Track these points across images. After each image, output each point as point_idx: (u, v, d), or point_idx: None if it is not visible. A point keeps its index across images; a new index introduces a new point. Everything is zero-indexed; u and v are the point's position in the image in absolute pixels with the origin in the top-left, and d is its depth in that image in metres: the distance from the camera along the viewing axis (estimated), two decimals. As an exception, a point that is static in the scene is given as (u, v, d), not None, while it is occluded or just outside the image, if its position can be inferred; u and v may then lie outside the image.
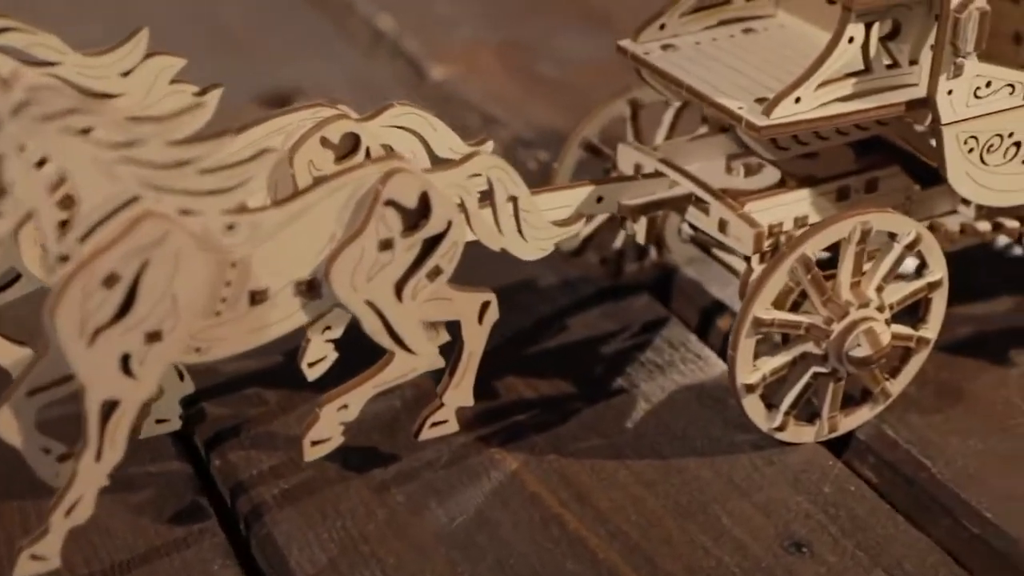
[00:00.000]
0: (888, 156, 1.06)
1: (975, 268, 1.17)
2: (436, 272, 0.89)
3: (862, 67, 0.96)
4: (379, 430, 1.01)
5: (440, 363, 0.93)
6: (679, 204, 1.02)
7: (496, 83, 1.54)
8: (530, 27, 1.67)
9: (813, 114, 0.94)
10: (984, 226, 1.06)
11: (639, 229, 1.02)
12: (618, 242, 1.16)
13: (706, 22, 1.07)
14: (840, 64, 0.94)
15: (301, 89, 1.53)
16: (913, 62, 0.96)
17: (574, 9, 1.69)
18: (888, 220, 0.96)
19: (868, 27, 0.94)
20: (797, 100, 0.94)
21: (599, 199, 1.01)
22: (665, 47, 1.05)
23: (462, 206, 0.90)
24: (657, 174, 1.03)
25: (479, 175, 0.91)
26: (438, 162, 0.95)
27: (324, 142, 0.92)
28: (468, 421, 1.01)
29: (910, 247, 0.97)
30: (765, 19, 1.09)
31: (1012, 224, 1.07)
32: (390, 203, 0.85)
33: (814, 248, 0.94)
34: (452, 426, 0.97)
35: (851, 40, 0.94)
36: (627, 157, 1.06)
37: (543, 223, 0.95)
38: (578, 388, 1.06)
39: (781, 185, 1.02)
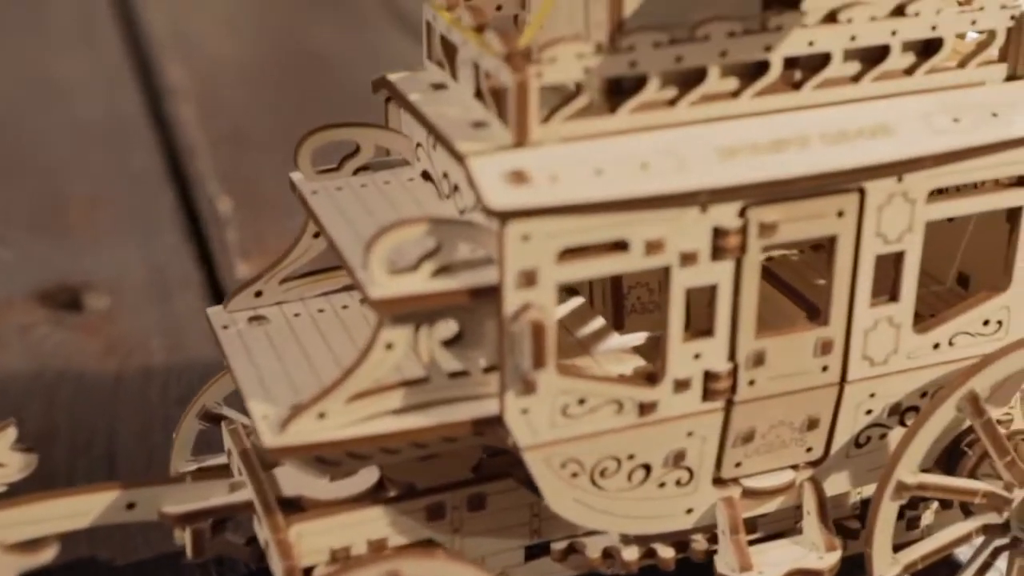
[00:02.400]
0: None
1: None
2: None
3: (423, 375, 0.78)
4: None
5: None
6: (239, 512, 0.85)
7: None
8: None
9: (343, 433, 0.77)
10: (632, 554, 0.87)
11: (187, 540, 0.85)
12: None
13: (326, 286, 0.91)
14: (378, 374, 0.77)
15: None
16: (492, 369, 0.78)
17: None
18: (428, 567, 0.77)
19: (418, 329, 0.76)
20: (321, 415, 0.77)
21: (130, 505, 0.84)
22: (253, 319, 0.89)
23: None
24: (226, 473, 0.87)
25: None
26: None
27: None
28: None
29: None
30: (399, 284, 0.91)
31: (667, 553, 0.87)
32: None
33: (327, 602, 0.76)
34: None
35: (390, 346, 0.76)
36: (227, 443, 0.90)
37: (-2, 549, 0.79)
38: None
39: (379, 492, 0.85)
